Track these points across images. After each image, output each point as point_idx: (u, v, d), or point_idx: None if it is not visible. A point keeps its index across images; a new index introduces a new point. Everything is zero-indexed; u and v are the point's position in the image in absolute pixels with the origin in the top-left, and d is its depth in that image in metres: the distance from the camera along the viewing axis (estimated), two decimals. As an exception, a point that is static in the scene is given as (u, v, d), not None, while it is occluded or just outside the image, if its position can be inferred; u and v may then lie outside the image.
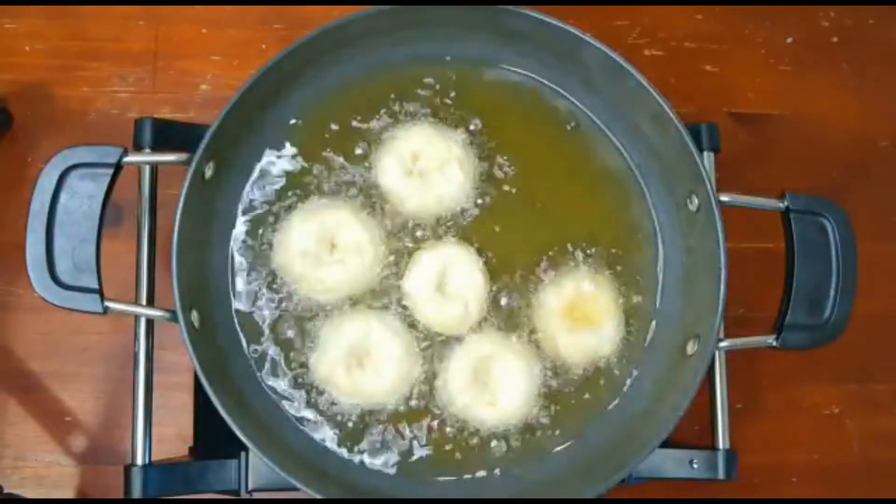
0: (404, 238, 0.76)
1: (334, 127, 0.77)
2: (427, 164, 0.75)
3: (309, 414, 0.73)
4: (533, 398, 0.74)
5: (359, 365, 0.72)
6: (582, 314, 0.74)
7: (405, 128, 0.77)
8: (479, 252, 0.75)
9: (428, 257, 0.74)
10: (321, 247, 0.73)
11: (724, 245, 0.70)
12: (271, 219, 0.75)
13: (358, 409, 0.73)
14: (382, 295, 0.74)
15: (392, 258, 0.75)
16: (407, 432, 0.73)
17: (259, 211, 0.75)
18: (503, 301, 0.75)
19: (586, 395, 0.75)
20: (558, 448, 0.74)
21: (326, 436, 0.73)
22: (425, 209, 0.75)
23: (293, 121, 0.77)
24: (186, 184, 0.68)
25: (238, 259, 0.75)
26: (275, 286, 0.74)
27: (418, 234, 0.76)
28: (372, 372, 0.72)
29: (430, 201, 0.75)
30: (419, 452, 0.73)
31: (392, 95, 0.78)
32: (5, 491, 0.79)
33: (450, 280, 0.74)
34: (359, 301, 0.74)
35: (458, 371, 0.73)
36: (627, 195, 0.79)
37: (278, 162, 0.77)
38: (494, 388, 0.73)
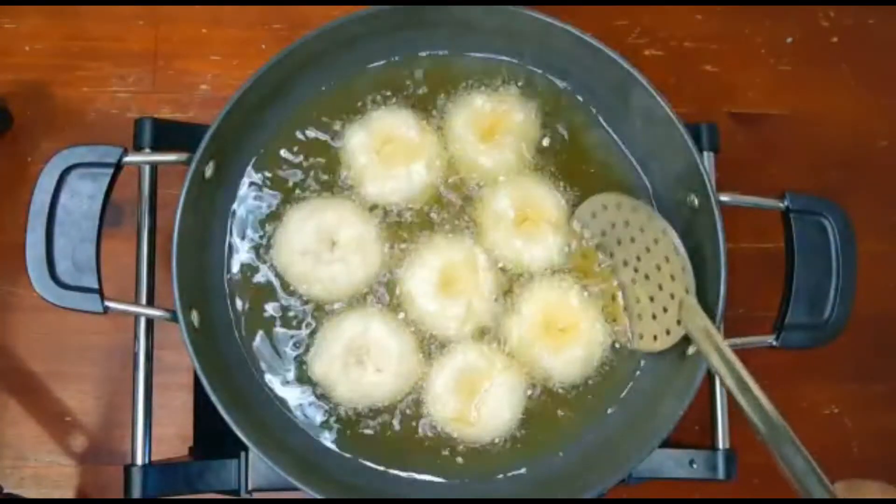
0: (406, 237, 0.76)
1: (335, 126, 0.77)
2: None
3: (309, 413, 0.73)
4: (519, 413, 0.74)
5: (358, 363, 0.72)
6: (559, 327, 0.74)
7: (379, 114, 0.77)
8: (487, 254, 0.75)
9: (430, 256, 0.74)
10: (321, 245, 0.73)
11: (724, 245, 0.70)
12: (271, 218, 0.75)
13: (358, 409, 0.73)
14: (382, 293, 0.74)
15: (393, 257, 0.75)
16: (407, 432, 0.74)
17: (259, 210, 0.76)
18: (505, 304, 0.75)
19: (586, 401, 0.75)
20: (558, 449, 0.74)
21: (326, 435, 0.73)
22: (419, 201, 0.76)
23: (293, 120, 0.77)
24: (186, 184, 0.68)
25: (238, 258, 0.75)
26: (275, 285, 0.74)
27: (421, 231, 0.76)
28: (372, 370, 0.72)
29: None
30: (419, 453, 0.73)
31: (393, 94, 0.78)
32: (5, 491, 0.79)
33: (451, 280, 0.74)
34: (359, 299, 0.74)
35: (445, 381, 0.73)
36: (628, 195, 0.79)
37: (277, 161, 0.77)
38: (481, 404, 0.73)
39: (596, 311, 0.75)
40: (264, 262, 0.75)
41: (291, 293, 0.74)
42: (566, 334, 0.74)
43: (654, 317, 0.70)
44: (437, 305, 0.73)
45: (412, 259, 0.75)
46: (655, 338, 0.70)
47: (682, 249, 0.68)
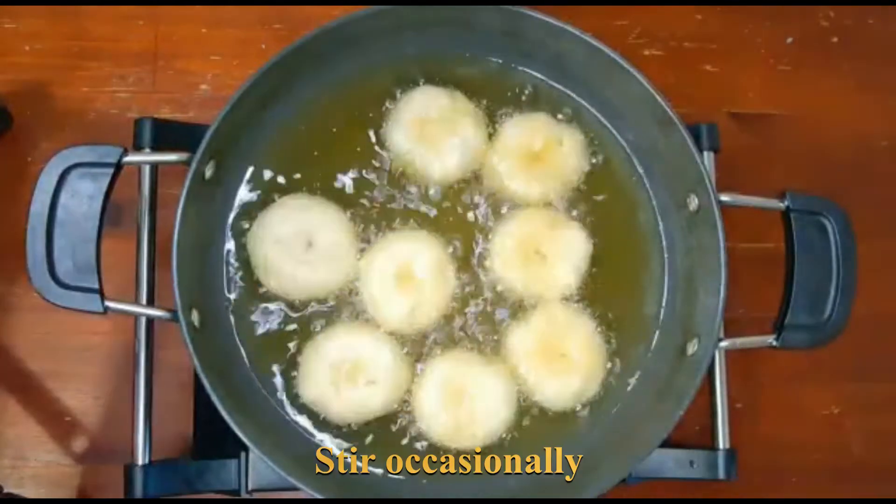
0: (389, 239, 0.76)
1: (333, 127, 0.77)
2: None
3: (308, 413, 0.74)
4: (512, 409, 0.74)
5: (348, 380, 0.72)
6: (558, 352, 0.74)
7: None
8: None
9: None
10: (297, 242, 0.73)
11: (724, 245, 0.70)
12: (271, 219, 0.75)
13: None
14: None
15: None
16: (405, 434, 0.74)
17: (259, 210, 0.76)
18: (497, 316, 0.76)
19: (584, 407, 0.75)
20: (557, 449, 0.74)
21: (325, 436, 0.73)
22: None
23: (293, 120, 0.77)
24: (186, 183, 0.68)
25: (238, 258, 0.75)
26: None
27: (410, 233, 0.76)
28: (363, 384, 0.72)
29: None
30: (418, 453, 0.73)
31: (394, 95, 0.78)
32: (5, 491, 0.79)
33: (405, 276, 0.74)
34: (343, 308, 0.74)
35: (433, 392, 0.73)
36: (629, 195, 0.79)
37: (277, 161, 0.77)
38: (470, 409, 0.73)
39: (599, 340, 0.75)
40: (264, 262, 0.75)
41: (290, 293, 0.74)
42: (566, 360, 0.74)
43: None
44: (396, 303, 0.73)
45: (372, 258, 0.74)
46: None
47: None
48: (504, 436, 0.74)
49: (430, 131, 0.75)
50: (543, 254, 0.75)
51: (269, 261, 0.73)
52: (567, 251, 0.75)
